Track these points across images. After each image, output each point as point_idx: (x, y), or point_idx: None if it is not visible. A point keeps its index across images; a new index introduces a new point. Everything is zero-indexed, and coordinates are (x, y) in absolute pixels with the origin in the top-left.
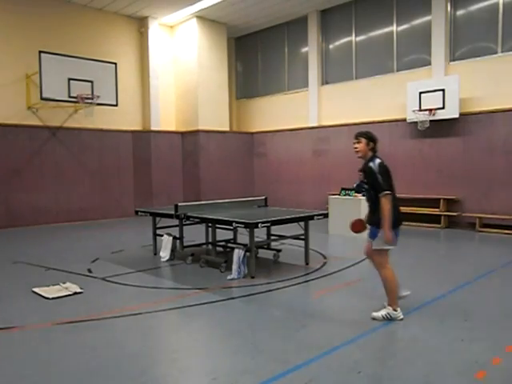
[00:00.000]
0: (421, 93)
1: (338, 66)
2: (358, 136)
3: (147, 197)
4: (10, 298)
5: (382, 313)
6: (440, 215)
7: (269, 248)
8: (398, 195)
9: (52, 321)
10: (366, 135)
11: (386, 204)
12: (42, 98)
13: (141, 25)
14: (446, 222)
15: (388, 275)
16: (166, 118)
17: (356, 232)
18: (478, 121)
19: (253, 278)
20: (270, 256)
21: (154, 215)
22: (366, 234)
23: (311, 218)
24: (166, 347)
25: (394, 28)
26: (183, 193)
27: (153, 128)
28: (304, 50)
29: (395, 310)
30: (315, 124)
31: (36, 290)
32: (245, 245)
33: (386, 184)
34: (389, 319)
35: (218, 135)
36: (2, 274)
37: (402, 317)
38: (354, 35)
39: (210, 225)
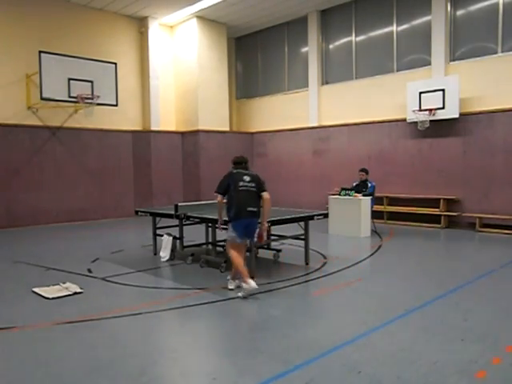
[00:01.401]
0: (421, 93)
1: (338, 66)
2: None
3: (147, 197)
4: (10, 298)
5: (241, 293)
6: (440, 215)
7: (269, 248)
8: (397, 195)
9: (52, 321)
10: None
11: (217, 200)
12: (42, 98)
13: (141, 25)
14: (446, 221)
15: (232, 257)
16: (166, 118)
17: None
18: (478, 121)
19: (253, 278)
20: (270, 256)
21: (154, 215)
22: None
23: (311, 218)
24: (166, 347)
25: (394, 28)
26: (183, 193)
27: (153, 128)
28: (304, 49)
29: (245, 282)
30: (315, 124)
31: (36, 289)
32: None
33: (218, 187)
34: (247, 294)
35: (217, 135)
36: (2, 274)
37: (253, 285)
38: (354, 35)
39: (210, 225)
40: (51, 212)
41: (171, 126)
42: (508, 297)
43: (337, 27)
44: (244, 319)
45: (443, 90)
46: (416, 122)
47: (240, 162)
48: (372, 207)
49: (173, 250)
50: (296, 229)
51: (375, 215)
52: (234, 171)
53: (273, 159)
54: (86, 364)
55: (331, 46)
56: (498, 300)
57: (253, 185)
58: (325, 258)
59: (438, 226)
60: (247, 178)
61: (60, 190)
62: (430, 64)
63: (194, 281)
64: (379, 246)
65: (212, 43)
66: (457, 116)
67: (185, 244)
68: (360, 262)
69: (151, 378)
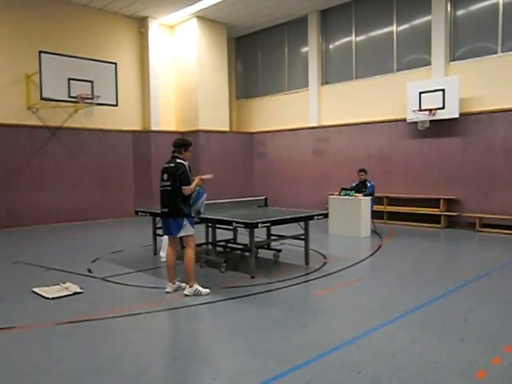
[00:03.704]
0: (421, 93)
1: (338, 66)
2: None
3: (147, 197)
4: (10, 298)
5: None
6: (440, 215)
7: (269, 248)
8: (397, 195)
9: (52, 321)
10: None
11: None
12: (42, 98)
13: (141, 25)
14: (446, 221)
15: (192, 257)
16: (166, 117)
17: None
18: (478, 121)
19: (253, 277)
20: (270, 256)
21: (154, 215)
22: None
23: (311, 217)
24: (166, 347)
25: (394, 28)
26: None
27: (153, 128)
28: (304, 49)
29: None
30: (315, 124)
31: (36, 289)
32: (245, 245)
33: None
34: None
35: (217, 135)
36: (2, 274)
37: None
38: (354, 35)
39: (209, 225)
40: (51, 212)
41: (171, 126)
42: (508, 297)
43: (337, 27)
44: (244, 319)
45: (443, 90)
46: (416, 122)
47: (175, 148)
48: (372, 207)
49: None
50: (296, 229)
51: (375, 215)
52: (164, 165)
53: (273, 159)
54: (86, 364)
55: (331, 46)
56: (498, 300)
57: (168, 183)
58: (325, 257)
59: (438, 225)
60: (165, 176)
61: (60, 189)
62: (430, 64)
63: None
64: (379, 246)
65: (212, 43)
66: (457, 116)
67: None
68: (360, 261)
69: (151, 377)
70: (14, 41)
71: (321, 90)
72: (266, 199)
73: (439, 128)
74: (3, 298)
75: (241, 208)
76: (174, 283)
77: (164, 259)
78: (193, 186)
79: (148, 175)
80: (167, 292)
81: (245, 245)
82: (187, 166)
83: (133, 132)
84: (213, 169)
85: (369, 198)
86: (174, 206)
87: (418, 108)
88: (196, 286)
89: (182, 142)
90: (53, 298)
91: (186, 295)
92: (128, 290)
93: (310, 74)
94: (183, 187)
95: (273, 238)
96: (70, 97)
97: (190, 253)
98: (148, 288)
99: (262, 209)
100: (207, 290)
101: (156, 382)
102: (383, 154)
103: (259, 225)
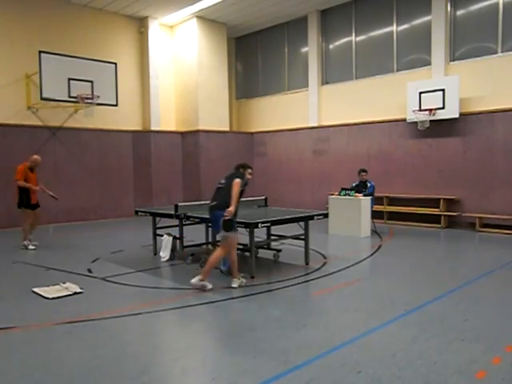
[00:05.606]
0: (421, 93)
1: (338, 66)
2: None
3: (147, 197)
4: (10, 298)
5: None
6: (440, 215)
7: (269, 248)
8: (397, 195)
9: (52, 321)
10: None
11: None
12: (42, 98)
13: (141, 25)
14: (446, 222)
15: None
16: (166, 117)
17: None
18: (478, 121)
19: (253, 278)
20: (270, 256)
21: (154, 215)
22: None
23: (311, 217)
24: (166, 347)
25: (394, 28)
26: (183, 193)
27: (153, 128)
28: (304, 49)
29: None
30: (315, 124)
31: (36, 290)
32: (245, 245)
33: None
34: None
35: (217, 135)
36: (2, 274)
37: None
38: (354, 35)
39: (210, 225)
40: (51, 212)
41: (171, 126)
42: (508, 297)
43: (337, 27)
44: (244, 319)
45: (443, 90)
46: (416, 122)
47: (238, 167)
48: (372, 207)
49: (173, 250)
50: (296, 229)
51: (375, 215)
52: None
53: (273, 159)
54: (85, 364)
55: (331, 46)
56: (498, 300)
57: (224, 182)
58: (325, 257)
59: (438, 226)
60: (224, 178)
61: (60, 189)
62: (430, 64)
63: None
64: (379, 246)
65: (212, 43)
66: (457, 116)
67: (185, 244)
68: (360, 261)
69: (151, 377)
70: (14, 41)
71: (321, 90)
72: (266, 199)
73: (439, 128)
74: (3, 298)
75: (241, 208)
76: (238, 278)
77: (164, 259)
78: (235, 202)
79: (148, 175)
80: (210, 289)
81: (245, 245)
82: (245, 180)
83: (133, 132)
84: (213, 169)
85: (369, 198)
86: (223, 199)
87: (418, 108)
88: (203, 283)
89: (242, 164)
90: (53, 298)
91: (193, 283)
92: (128, 290)
93: (310, 74)
94: (235, 179)
95: (273, 237)
96: (70, 97)
97: (219, 252)
98: (148, 288)
99: (262, 209)
100: (210, 286)
101: (156, 381)
102: (383, 154)
103: (259, 225)
